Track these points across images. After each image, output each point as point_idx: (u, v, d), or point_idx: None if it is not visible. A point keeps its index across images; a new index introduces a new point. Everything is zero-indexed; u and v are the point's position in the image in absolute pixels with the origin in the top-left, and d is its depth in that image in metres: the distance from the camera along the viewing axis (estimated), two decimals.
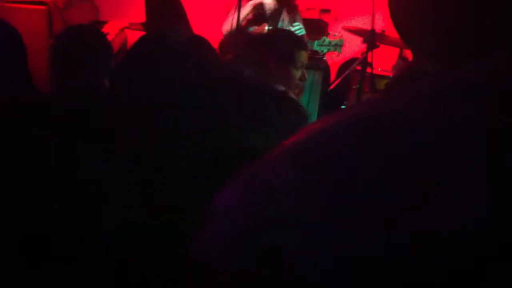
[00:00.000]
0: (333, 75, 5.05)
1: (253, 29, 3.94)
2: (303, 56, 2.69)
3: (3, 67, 1.89)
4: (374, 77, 4.21)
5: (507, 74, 0.43)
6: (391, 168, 0.41)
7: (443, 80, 0.46)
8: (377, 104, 0.49)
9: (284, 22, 3.96)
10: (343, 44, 4.04)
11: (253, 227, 0.44)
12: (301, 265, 0.40)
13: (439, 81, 0.46)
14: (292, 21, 3.99)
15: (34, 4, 4.10)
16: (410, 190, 0.40)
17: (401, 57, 4.61)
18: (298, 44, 2.70)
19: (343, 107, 4.71)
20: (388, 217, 0.39)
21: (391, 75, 4.52)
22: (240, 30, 3.70)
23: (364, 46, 4.13)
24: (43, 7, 4.08)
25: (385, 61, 4.65)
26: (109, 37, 4.01)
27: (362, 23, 4.63)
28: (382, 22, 4.06)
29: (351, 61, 4.83)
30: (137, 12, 4.14)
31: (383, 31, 4.26)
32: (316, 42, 3.94)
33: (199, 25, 4.16)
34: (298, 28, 3.92)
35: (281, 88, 2.38)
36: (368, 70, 4.12)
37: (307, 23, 4.31)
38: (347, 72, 4.44)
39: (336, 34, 4.22)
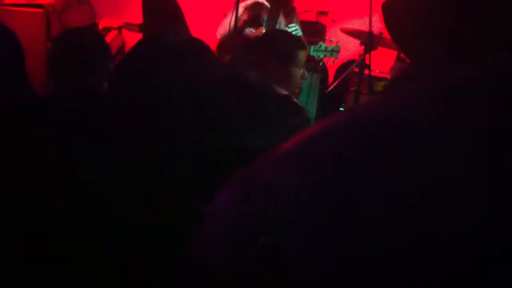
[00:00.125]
0: (331, 77, 5.05)
1: (250, 31, 3.94)
2: (303, 55, 2.69)
3: (1, 70, 1.89)
4: (372, 79, 4.21)
5: (507, 74, 0.43)
6: (391, 168, 0.41)
7: (443, 80, 0.46)
8: (376, 105, 0.49)
9: (281, 25, 3.96)
10: (339, 50, 4.04)
11: (253, 227, 0.44)
12: (301, 265, 0.40)
13: (439, 81, 0.46)
14: (288, 23, 3.99)
15: (32, 7, 4.09)
16: (410, 190, 0.40)
17: (399, 59, 4.61)
18: (297, 43, 2.70)
19: (341, 109, 4.71)
20: (388, 217, 0.39)
21: (389, 77, 4.52)
22: (237, 32, 3.70)
23: (362, 48, 4.13)
24: (41, 10, 4.07)
25: (383, 63, 4.65)
26: (107, 39, 4.01)
27: (360, 25, 4.63)
28: (380, 24, 4.06)
29: (349, 63, 4.83)
30: (135, 14, 4.13)
31: (381, 33, 4.26)
32: (312, 48, 3.94)
33: (196, 26, 4.16)
34: (294, 30, 3.92)
35: (283, 90, 2.38)
36: (366, 72, 4.11)
37: (304, 25, 4.30)
38: (345, 74, 4.44)
39: (333, 39, 4.22)
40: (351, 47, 4.92)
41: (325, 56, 4.00)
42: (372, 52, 4.04)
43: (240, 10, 3.80)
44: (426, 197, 0.39)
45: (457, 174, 0.40)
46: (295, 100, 2.46)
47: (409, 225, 0.39)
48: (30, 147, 1.49)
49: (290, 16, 4.05)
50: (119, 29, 4.40)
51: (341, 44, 4.18)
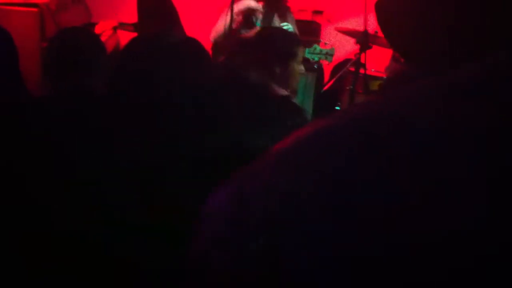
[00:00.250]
0: (326, 77, 5.06)
1: (246, 31, 3.94)
2: (301, 50, 2.71)
3: None
4: (367, 78, 4.22)
5: (507, 74, 0.43)
6: (390, 168, 0.41)
7: (443, 80, 0.46)
8: (375, 104, 0.49)
9: (275, 25, 3.97)
10: (334, 54, 4.04)
11: (253, 227, 0.44)
12: (300, 265, 0.40)
13: (439, 81, 0.46)
14: (282, 22, 3.99)
15: (26, 6, 4.08)
16: (410, 190, 0.40)
17: (394, 58, 4.62)
18: (296, 39, 2.72)
19: (337, 108, 4.71)
20: (388, 217, 0.39)
21: (384, 76, 4.52)
22: (232, 32, 3.70)
23: (357, 47, 4.14)
24: (35, 9, 4.05)
25: (378, 62, 4.65)
26: (102, 38, 4.00)
27: (355, 24, 4.63)
28: (375, 23, 4.07)
29: (344, 62, 4.83)
30: (129, 14, 4.13)
31: (376, 32, 4.26)
32: (307, 50, 3.94)
33: (191, 27, 4.15)
34: (286, 28, 3.92)
35: (282, 91, 2.38)
36: (362, 71, 4.12)
37: (299, 24, 4.31)
38: (340, 73, 4.45)
39: (327, 42, 4.22)
40: (346, 46, 4.92)
41: (319, 59, 4.01)
42: (368, 51, 4.05)
43: (235, 12, 3.81)
44: (426, 197, 0.39)
45: (457, 174, 0.40)
46: (294, 99, 2.46)
47: (409, 225, 0.39)
48: (29, 147, 1.49)
49: (284, 16, 4.06)
50: (114, 29, 4.39)
51: (336, 43, 4.19)
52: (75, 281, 1.33)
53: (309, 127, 0.48)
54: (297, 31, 3.99)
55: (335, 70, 4.90)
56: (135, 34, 4.20)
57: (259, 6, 3.90)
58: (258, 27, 3.87)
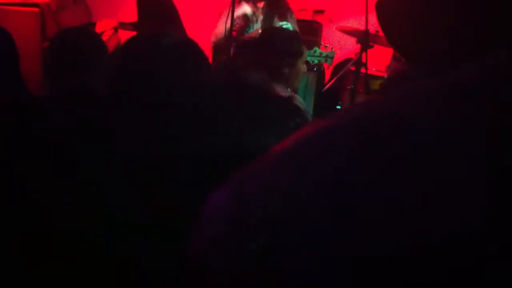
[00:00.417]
0: (327, 76, 5.05)
1: (246, 32, 3.94)
2: (305, 48, 2.72)
3: None
4: (368, 77, 4.22)
5: (507, 74, 0.43)
6: (390, 168, 0.41)
7: (443, 80, 0.46)
8: (375, 104, 0.49)
9: (275, 25, 3.97)
10: (333, 57, 4.04)
11: (253, 227, 0.44)
12: (301, 265, 0.40)
13: (439, 81, 0.46)
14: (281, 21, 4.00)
15: (27, 6, 4.08)
16: (411, 190, 0.40)
17: (395, 57, 4.61)
18: (297, 38, 2.73)
19: (338, 107, 4.71)
20: (388, 217, 0.39)
21: (385, 75, 4.52)
22: (233, 35, 3.70)
23: (358, 46, 4.13)
24: (36, 9, 4.05)
25: (379, 62, 4.65)
26: (103, 38, 4.00)
27: (356, 23, 4.63)
28: (376, 23, 4.06)
29: (345, 61, 4.83)
30: (130, 13, 4.12)
31: (377, 32, 4.26)
32: (307, 52, 3.95)
33: (192, 27, 4.15)
34: (285, 28, 3.92)
35: (283, 91, 2.38)
36: (362, 70, 4.12)
37: (300, 24, 4.30)
38: (341, 72, 4.45)
39: (328, 45, 4.22)
40: (347, 46, 4.92)
41: (319, 61, 4.00)
42: (369, 51, 4.05)
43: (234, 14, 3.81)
44: (426, 197, 0.39)
45: (457, 174, 0.40)
46: (297, 99, 2.46)
47: (409, 225, 0.39)
48: (30, 147, 1.49)
49: (284, 16, 4.05)
50: (115, 28, 4.39)
51: (337, 43, 4.19)
52: (75, 281, 1.33)
53: (310, 127, 0.48)
54: (298, 31, 3.99)
55: (336, 70, 4.90)
56: (135, 33, 4.20)
57: (255, 12, 3.91)
58: (258, 28, 3.87)
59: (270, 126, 1.69)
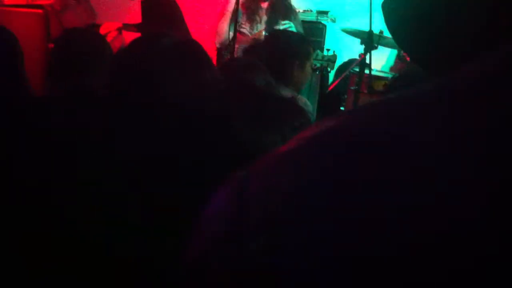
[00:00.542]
0: (330, 77, 5.06)
1: (250, 33, 3.95)
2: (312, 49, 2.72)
3: (0, 71, 1.89)
4: (372, 78, 4.22)
5: (507, 74, 0.43)
6: (391, 168, 0.41)
7: (443, 80, 0.46)
8: (376, 104, 0.49)
9: (279, 26, 3.97)
10: (335, 60, 4.04)
11: (253, 227, 0.44)
12: (301, 265, 0.40)
13: (439, 81, 0.46)
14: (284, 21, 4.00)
15: (32, 7, 4.09)
16: (410, 190, 0.40)
17: (399, 58, 4.62)
18: (305, 39, 2.73)
19: (341, 108, 4.71)
20: (388, 217, 0.39)
21: (389, 76, 4.52)
22: (237, 35, 3.71)
23: (362, 47, 4.14)
24: (40, 11, 4.06)
25: (383, 62, 4.65)
26: (108, 39, 4.01)
27: (360, 24, 4.64)
28: (380, 23, 4.06)
29: (349, 62, 4.84)
30: (134, 15, 4.13)
31: (381, 32, 4.26)
32: None
33: (196, 28, 4.16)
34: (287, 26, 3.93)
35: (287, 92, 2.39)
36: (366, 71, 4.12)
37: (304, 25, 4.31)
38: (344, 73, 4.45)
39: (330, 48, 4.22)
40: (351, 47, 4.93)
41: (321, 65, 4.00)
42: (373, 52, 4.05)
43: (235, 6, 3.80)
44: (426, 197, 0.39)
45: (457, 174, 0.39)
46: (301, 100, 2.46)
47: (410, 225, 0.39)
48: (30, 147, 1.49)
49: (288, 17, 4.06)
50: (119, 30, 4.40)
51: (340, 44, 4.19)
52: (76, 281, 1.34)
53: (311, 128, 0.48)
54: (302, 32, 3.99)
55: (340, 71, 4.91)
56: (139, 35, 4.21)
57: (258, 13, 3.92)
58: (262, 29, 3.87)
59: (272, 126, 1.69)
